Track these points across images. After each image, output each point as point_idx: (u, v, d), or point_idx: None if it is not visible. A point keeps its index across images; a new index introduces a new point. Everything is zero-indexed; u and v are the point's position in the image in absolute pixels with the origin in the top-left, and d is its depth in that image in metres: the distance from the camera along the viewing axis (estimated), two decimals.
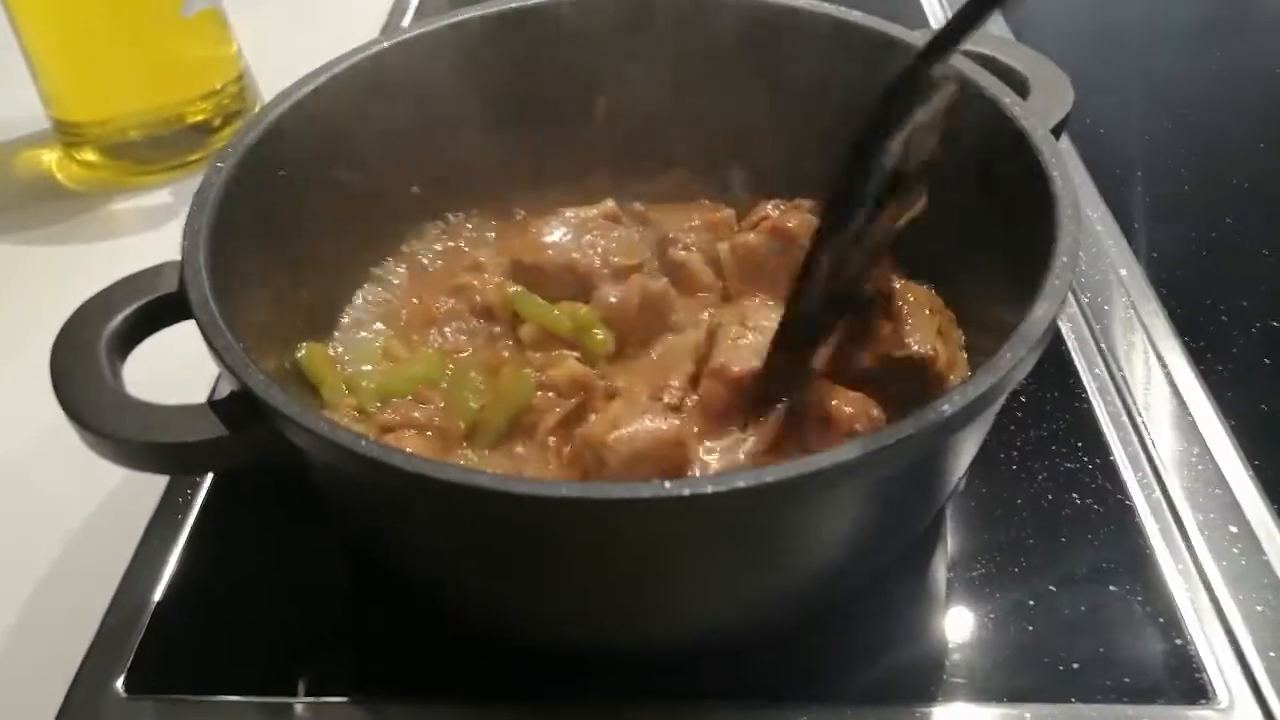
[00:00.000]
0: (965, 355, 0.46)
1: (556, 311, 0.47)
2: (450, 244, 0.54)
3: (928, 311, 0.45)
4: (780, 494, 0.29)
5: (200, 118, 0.71)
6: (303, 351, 0.45)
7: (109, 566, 0.45)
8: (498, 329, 0.49)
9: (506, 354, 0.47)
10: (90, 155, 0.71)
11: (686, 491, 0.28)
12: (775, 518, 0.32)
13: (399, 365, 0.47)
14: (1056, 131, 0.44)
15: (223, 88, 0.72)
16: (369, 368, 0.47)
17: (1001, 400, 0.35)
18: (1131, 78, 0.80)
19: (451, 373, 0.46)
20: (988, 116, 0.43)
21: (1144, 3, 0.92)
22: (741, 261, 0.50)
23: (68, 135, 0.71)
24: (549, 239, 0.50)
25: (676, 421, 0.40)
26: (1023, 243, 0.38)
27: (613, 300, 0.47)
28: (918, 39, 0.47)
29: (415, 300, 0.51)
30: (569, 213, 0.51)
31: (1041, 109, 0.44)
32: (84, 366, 0.34)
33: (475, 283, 0.50)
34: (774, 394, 0.42)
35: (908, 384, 0.43)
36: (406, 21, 0.89)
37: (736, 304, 0.48)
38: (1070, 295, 0.57)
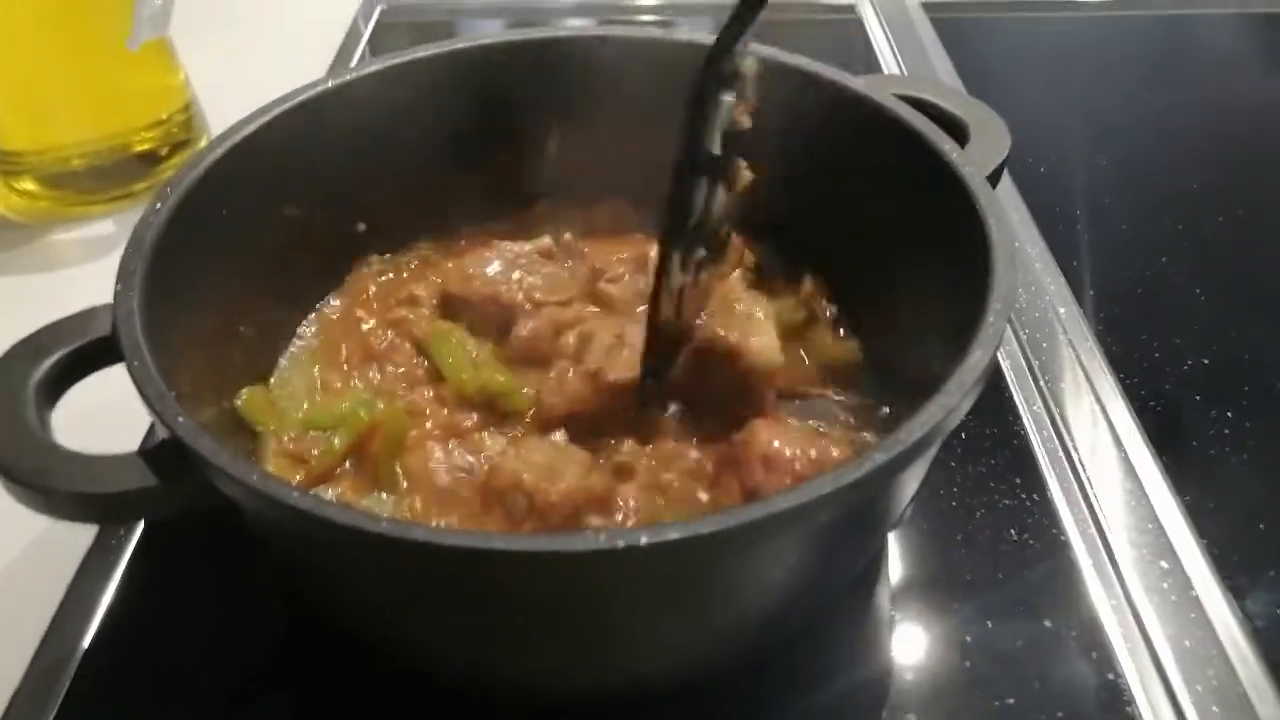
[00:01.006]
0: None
1: (464, 375, 0.47)
2: (390, 277, 0.54)
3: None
4: (716, 544, 0.29)
5: (146, 147, 0.71)
6: (242, 399, 0.45)
7: (37, 609, 0.44)
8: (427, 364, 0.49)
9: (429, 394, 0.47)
10: (30, 184, 0.69)
11: (620, 544, 0.28)
12: (713, 566, 0.32)
13: (326, 400, 0.47)
14: (994, 178, 0.45)
15: (169, 117, 0.71)
16: (305, 404, 0.47)
17: (937, 443, 0.35)
18: (1071, 116, 0.82)
19: (381, 410, 0.46)
20: (925, 162, 0.44)
21: (1084, 41, 0.95)
22: None
23: (7, 164, 0.70)
24: (479, 271, 0.50)
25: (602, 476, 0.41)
26: (958, 289, 0.39)
27: (524, 334, 0.48)
28: (850, 78, 0.48)
29: (354, 335, 0.51)
30: (505, 245, 0.52)
31: (979, 155, 0.45)
32: (9, 414, 0.34)
33: (410, 316, 0.50)
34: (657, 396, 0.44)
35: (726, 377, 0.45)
36: (358, 54, 0.89)
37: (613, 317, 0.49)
38: (1010, 333, 0.59)
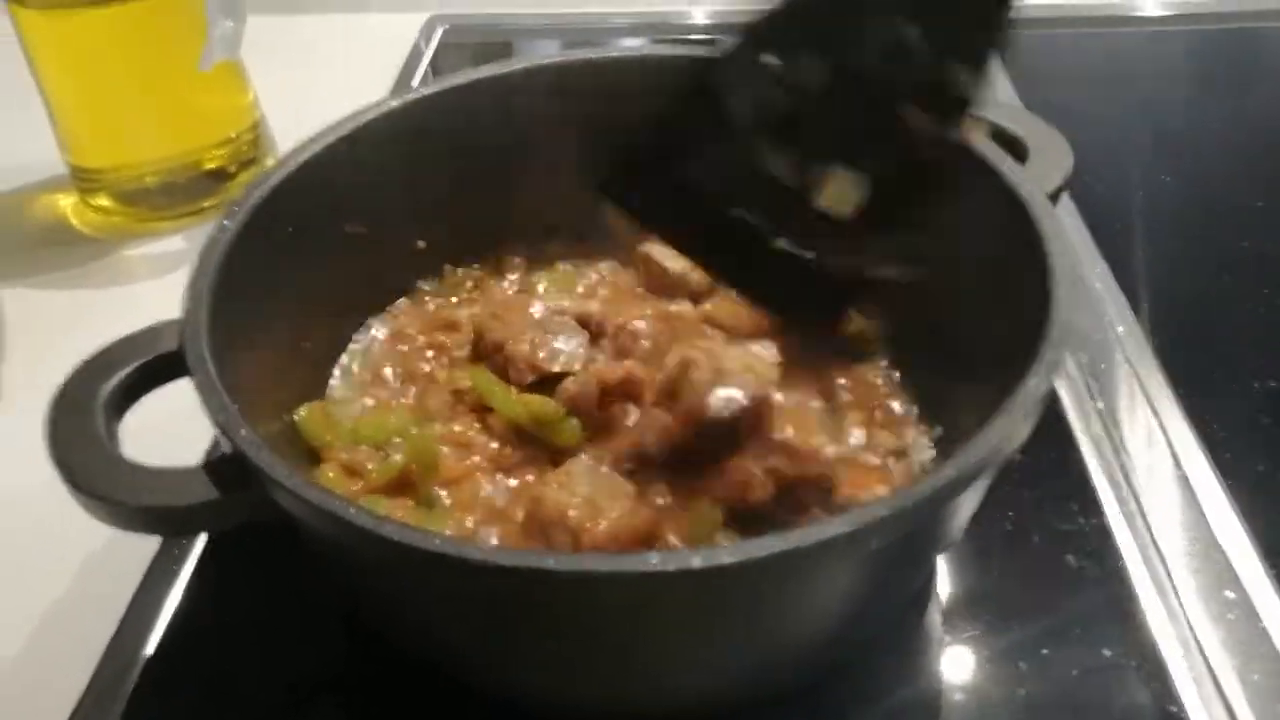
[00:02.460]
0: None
1: (515, 401, 0.46)
2: (441, 301, 0.55)
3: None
4: (773, 567, 0.29)
5: (215, 165, 0.73)
6: (301, 415, 0.46)
7: (104, 616, 0.45)
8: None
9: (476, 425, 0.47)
10: (105, 201, 0.72)
11: (673, 567, 0.28)
12: (770, 589, 0.32)
13: (373, 415, 0.48)
14: (1054, 197, 0.44)
15: (239, 135, 0.74)
16: (355, 419, 0.48)
17: (995, 469, 0.35)
18: (1130, 132, 0.80)
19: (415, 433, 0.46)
20: (984, 182, 0.43)
21: (1143, 58, 0.93)
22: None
23: (84, 181, 0.72)
24: (510, 320, 0.49)
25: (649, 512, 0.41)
26: (1017, 311, 0.39)
27: (572, 391, 0.46)
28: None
29: (401, 357, 0.51)
30: (542, 304, 0.51)
31: (1039, 174, 0.45)
32: (79, 427, 0.35)
33: (448, 342, 0.51)
34: None
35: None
36: (420, 73, 0.91)
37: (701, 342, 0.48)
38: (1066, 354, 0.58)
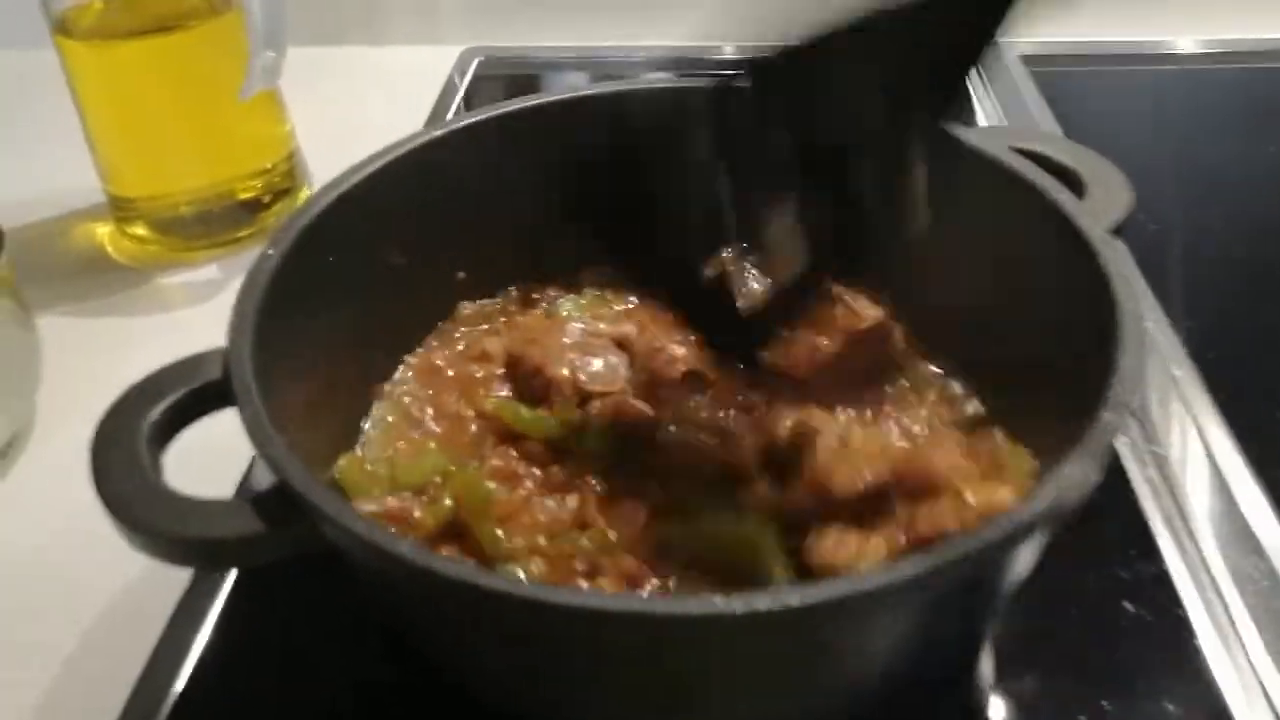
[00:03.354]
0: None
1: (541, 417, 0.46)
2: (469, 331, 0.54)
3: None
4: (840, 610, 0.28)
5: (251, 195, 0.73)
6: (342, 464, 0.44)
7: (134, 652, 0.44)
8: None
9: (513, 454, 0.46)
10: (141, 229, 0.72)
11: (739, 609, 0.27)
12: (831, 631, 0.31)
13: (410, 455, 0.46)
14: (1115, 232, 0.43)
15: (274, 166, 0.74)
16: (390, 465, 0.46)
17: (1066, 512, 0.33)
18: (1178, 168, 0.79)
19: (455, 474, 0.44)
20: (1042, 215, 0.43)
21: (1186, 92, 0.92)
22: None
23: (121, 210, 0.73)
24: (544, 342, 0.49)
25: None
26: (1080, 351, 0.37)
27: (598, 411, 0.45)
28: (961, 130, 0.47)
29: (436, 390, 0.50)
30: (578, 326, 0.50)
31: (1099, 209, 0.44)
32: (123, 457, 0.34)
33: (480, 374, 0.50)
34: None
35: (871, 360, 0.45)
36: (455, 105, 0.91)
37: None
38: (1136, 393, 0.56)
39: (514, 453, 0.46)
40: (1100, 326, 0.37)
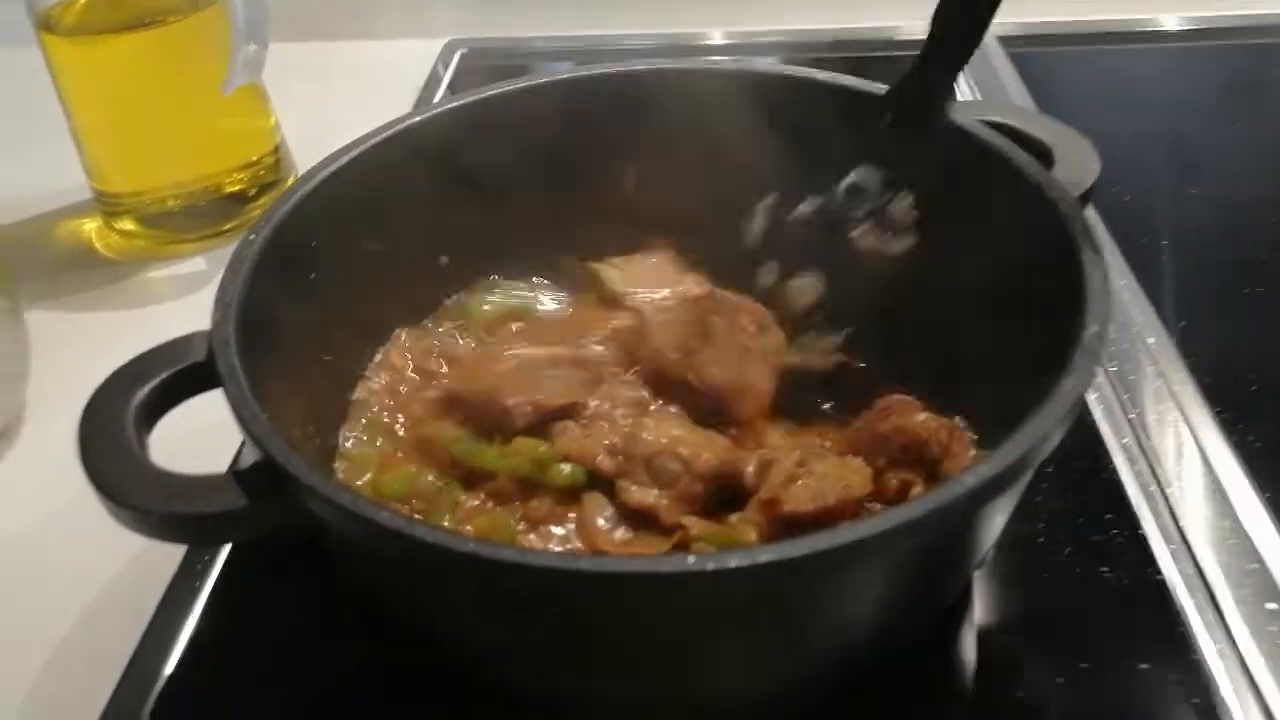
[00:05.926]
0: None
1: (507, 453, 0.45)
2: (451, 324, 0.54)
3: None
4: (807, 567, 0.29)
5: (236, 188, 0.73)
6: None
7: (124, 639, 0.45)
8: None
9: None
10: (129, 224, 0.73)
11: (710, 566, 0.28)
12: (802, 590, 0.32)
13: (388, 470, 0.46)
14: (1083, 200, 0.44)
15: (259, 159, 0.74)
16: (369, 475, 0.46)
17: (1028, 474, 0.34)
18: (1155, 146, 0.80)
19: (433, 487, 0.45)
20: (1011, 184, 0.43)
21: (1163, 71, 0.93)
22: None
23: (108, 205, 0.73)
24: (485, 371, 0.49)
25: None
26: (1048, 314, 0.38)
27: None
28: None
29: (397, 398, 0.50)
30: (518, 352, 0.50)
31: (1067, 178, 0.44)
32: (111, 437, 0.35)
33: (431, 395, 0.49)
34: None
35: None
36: (439, 96, 0.91)
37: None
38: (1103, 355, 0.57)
39: (482, 495, 0.45)
40: (1066, 290, 0.38)
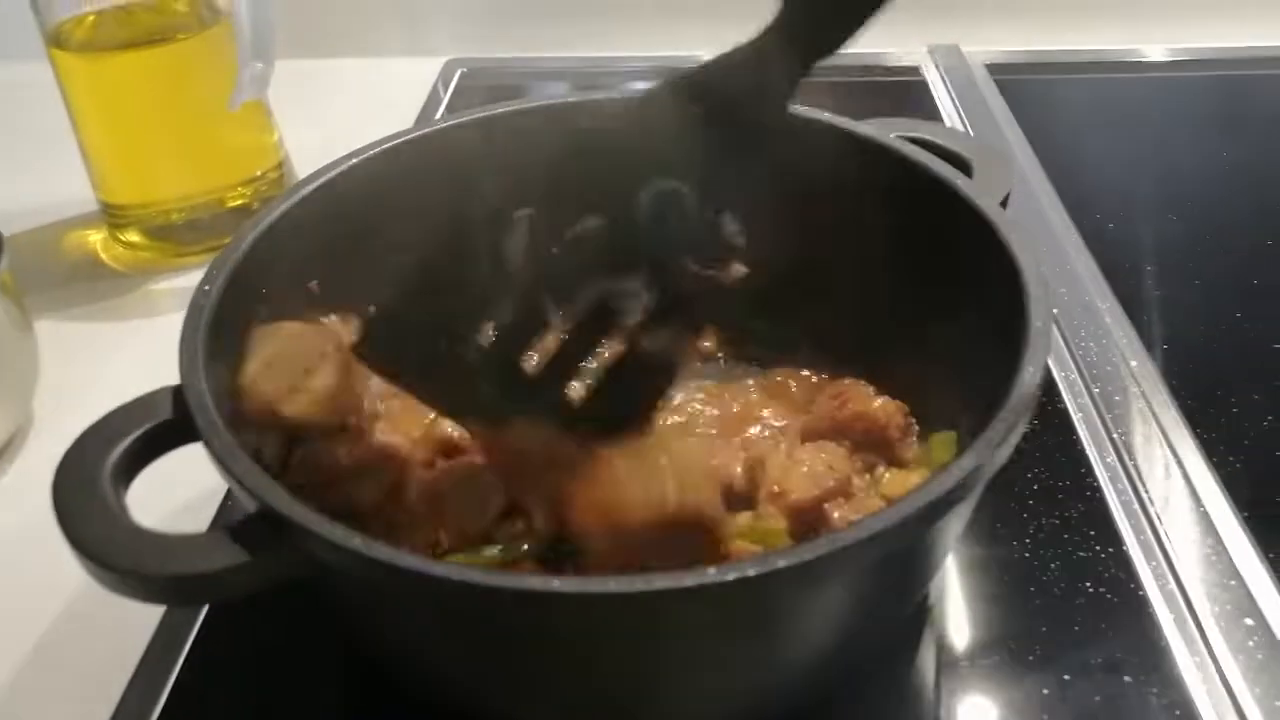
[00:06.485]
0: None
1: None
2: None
3: None
4: (760, 586, 0.29)
5: (240, 202, 0.74)
6: None
7: (132, 644, 0.45)
8: None
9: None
10: (134, 236, 0.74)
11: (691, 583, 0.28)
12: (753, 608, 0.32)
13: None
14: (1001, 205, 0.46)
15: (263, 174, 0.75)
16: None
17: (977, 490, 0.35)
18: (1139, 173, 0.82)
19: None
20: (936, 194, 0.45)
21: (1149, 100, 0.95)
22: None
23: (114, 217, 0.74)
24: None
25: None
26: (989, 322, 0.40)
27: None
28: (852, 122, 0.49)
29: None
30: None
31: (986, 187, 0.46)
32: (91, 500, 0.33)
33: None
34: None
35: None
36: (439, 113, 0.93)
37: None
38: (1081, 384, 0.59)
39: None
40: (1004, 291, 0.39)
